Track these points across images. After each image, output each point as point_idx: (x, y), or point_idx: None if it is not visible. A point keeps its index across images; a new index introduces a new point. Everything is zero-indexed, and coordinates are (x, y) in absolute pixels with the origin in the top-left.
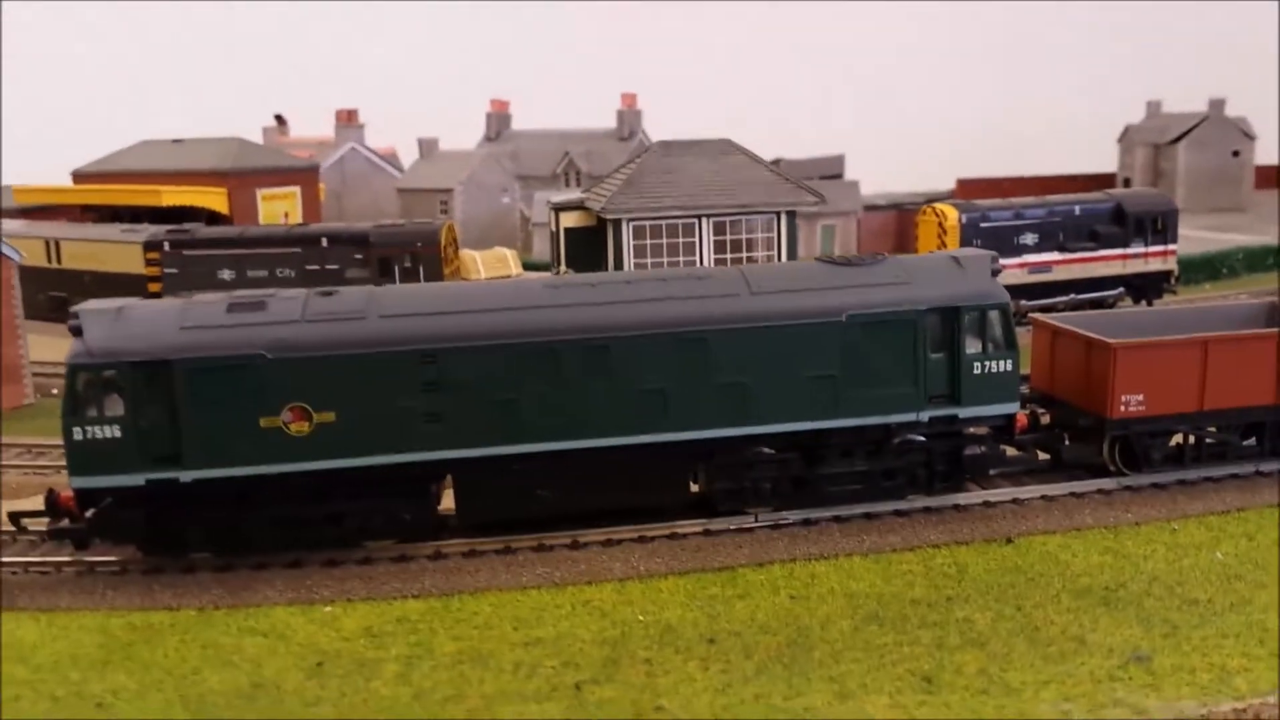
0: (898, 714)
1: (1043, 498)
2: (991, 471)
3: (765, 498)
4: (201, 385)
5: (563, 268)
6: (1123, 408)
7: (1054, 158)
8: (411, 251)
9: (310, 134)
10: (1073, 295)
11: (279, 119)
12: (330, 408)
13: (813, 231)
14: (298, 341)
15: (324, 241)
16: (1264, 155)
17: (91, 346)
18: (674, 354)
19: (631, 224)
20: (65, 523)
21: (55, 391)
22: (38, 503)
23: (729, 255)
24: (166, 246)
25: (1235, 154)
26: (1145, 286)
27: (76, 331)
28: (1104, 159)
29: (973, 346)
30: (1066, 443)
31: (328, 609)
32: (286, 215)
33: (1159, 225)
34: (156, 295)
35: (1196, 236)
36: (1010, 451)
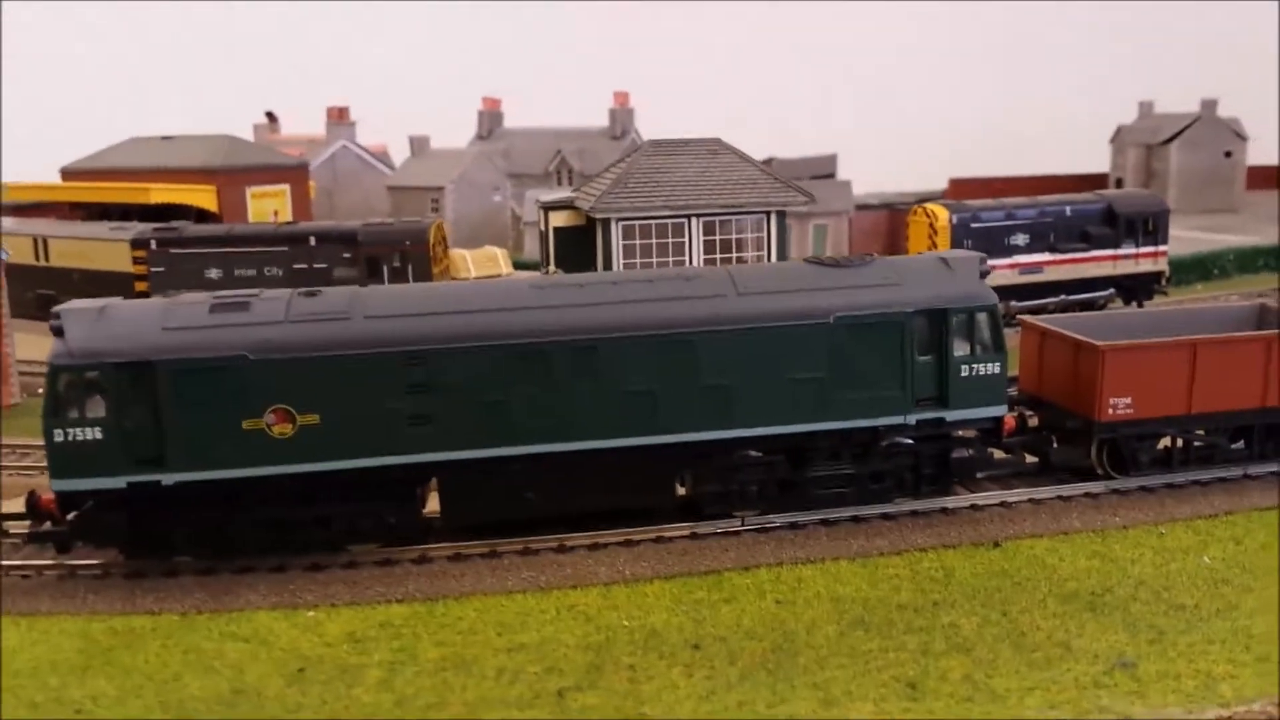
0: None
1: (1030, 501)
2: (979, 474)
3: (752, 501)
4: (184, 387)
5: (552, 267)
6: (1111, 410)
7: (1054, 158)
8: (400, 250)
9: (302, 131)
10: (1063, 296)
11: (270, 116)
12: (314, 410)
13: (804, 231)
14: (281, 342)
15: (312, 240)
16: (1256, 156)
17: (73, 347)
18: (660, 356)
19: (621, 223)
20: (47, 525)
21: (42, 391)
22: (19, 505)
23: (719, 255)
24: (153, 245)
25: (1227, 155)
26: (1136, 287)
27: (58, 332)
28: (1100, 159)
29: (960, 349)
30: (1054, 445)
31: (311, 613)
32: (276, 213)
33: (1150, 226)
34: (144, 294)
35: (1189, 237)
36: (998, 454)
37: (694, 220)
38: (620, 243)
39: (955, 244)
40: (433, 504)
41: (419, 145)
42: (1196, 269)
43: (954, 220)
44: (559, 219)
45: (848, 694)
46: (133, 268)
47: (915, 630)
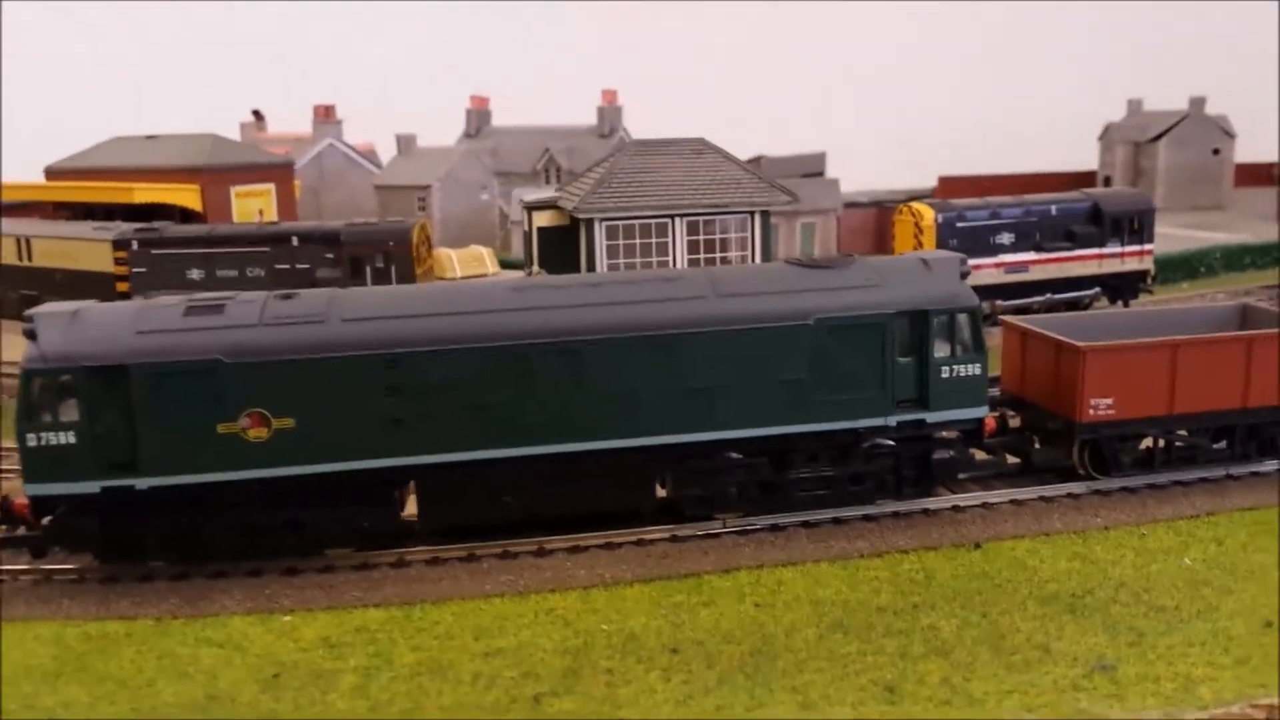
0: None
1: (1012, 502)
2: (961, 476)
3: (733, 503)
4: (158, 391)
5: (535, 267)
6: (1092, 411)
7: (1051, 156)
8: (383, 250)
9: (288, 130)
10: (1049, 295)
11: (256, 114)
12: (289, 413)
13: (792, 229)
14: (255, 346)
15: (294, 240)
16: (1244, 153)
17: (46, 351)
18: (640, 358)
19: (604, 224)
20: (21, 530)
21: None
22: None
23: (703, 255)
24: (135, 245)
25: (1215, 152)
26: (1121, 286)
27: (31, 335)
28: (1089, 156)
29: (941, 350)
30: (1036, 446)
31: (286, 618)
32: (261, 213)
33: (1135, 225)
34: (126, 295)
35: (1176, 234)
36: (980, 455)
37: (677, 220)
38: (604, 243)
39: (941, 243)
40: (411, 507)
41: (406, 144)
42: (1183, 267)
43: (939, 219)
44: (543, 219)
45: (826, 698)
46: (114, 268)
47: (894, 633)
